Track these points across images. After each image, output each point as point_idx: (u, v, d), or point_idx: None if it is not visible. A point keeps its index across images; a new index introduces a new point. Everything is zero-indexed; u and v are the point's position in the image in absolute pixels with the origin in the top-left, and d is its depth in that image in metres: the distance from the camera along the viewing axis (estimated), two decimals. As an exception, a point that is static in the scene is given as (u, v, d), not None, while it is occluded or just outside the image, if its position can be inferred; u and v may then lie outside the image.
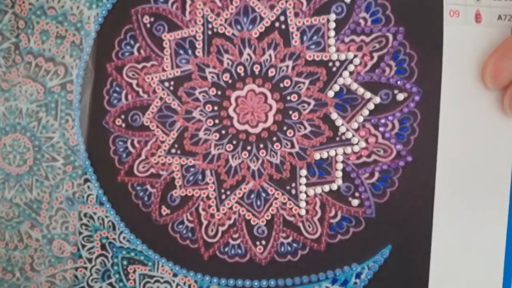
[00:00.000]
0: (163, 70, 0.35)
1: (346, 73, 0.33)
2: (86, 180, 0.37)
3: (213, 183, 0.35)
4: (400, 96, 0.32)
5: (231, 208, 0.35)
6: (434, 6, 0.32)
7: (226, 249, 0.35)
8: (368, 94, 0.33)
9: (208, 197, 0.35)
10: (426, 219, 0.32)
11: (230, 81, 0.35)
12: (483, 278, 0.32)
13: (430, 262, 0.32)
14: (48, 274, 0.37)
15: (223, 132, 0.35)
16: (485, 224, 0.32)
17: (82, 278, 0.37)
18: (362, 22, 0.33)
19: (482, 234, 0.32)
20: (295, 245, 0.34)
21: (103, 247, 0.37)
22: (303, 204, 0.34)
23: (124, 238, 0.36)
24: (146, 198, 0.36)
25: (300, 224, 0.34)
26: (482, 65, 0.31)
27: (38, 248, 0.37)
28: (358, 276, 0.33)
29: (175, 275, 0.35)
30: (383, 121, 0.33)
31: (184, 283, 0.35)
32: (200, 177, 0.35)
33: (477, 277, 0.32)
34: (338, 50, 0.33)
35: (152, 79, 0.36)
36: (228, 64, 0.34)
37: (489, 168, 0.32)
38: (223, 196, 0.35)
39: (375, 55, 0.33)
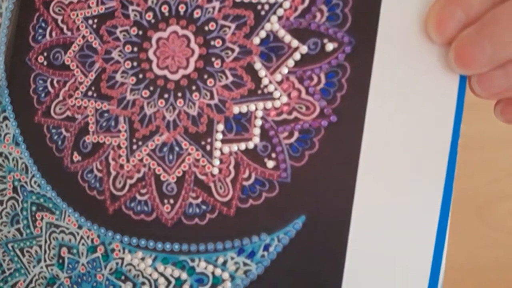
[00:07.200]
0: (89, 6, 0.33)
1: (274, 18, 0.29)
2: (5, 118, 0.35)
3: (125, 131, 0.32)
4: (330, 46, 0.28)
5: (141, 160, 0.32)
6: None
7: (132, 205, 0.32)
8: (295, 43, 0.29)
9: (119, 146, 0.32)
10: (347, 189, 0.28)
11: (153, 21, 0.32)
12: (410, 257, 0.27)
13: (349, 239, 0.28)
14: (-38, 214, 0.36)
15: (141, 76, 0.32)
16: (416, 197, 0.27)
17: (-8, 221, 0.35)
18: (295, -41, 0.29)
19: (411, 208, 0.27)
20: (204, 207, 0.30)
21: (14, 190, 0.35)
22: (216, 162, 0.30)
23: (35, 182, 0.34)
24: (60, 142, 0.33)
25: (211, 184, 0.30)
26: (427, 13, 0.26)
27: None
28: (266, 248, 0.29)
29: (79, 227, 0.33)
30: (308, 73, 0.28)
31: (88, 237, 0.33)
32: (113, 123, 0.32)
33: (402, 256, 0.27)
34: (268, -9, 0.29)
35: (77, 15, 0.33)
36: (152, 2, 0.31)
37: (425, 134, 0.27)
38: (135, 147, 0.32)
39: (307, -3, 0.28)
